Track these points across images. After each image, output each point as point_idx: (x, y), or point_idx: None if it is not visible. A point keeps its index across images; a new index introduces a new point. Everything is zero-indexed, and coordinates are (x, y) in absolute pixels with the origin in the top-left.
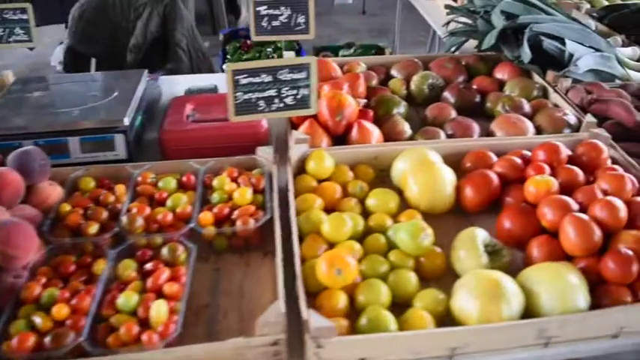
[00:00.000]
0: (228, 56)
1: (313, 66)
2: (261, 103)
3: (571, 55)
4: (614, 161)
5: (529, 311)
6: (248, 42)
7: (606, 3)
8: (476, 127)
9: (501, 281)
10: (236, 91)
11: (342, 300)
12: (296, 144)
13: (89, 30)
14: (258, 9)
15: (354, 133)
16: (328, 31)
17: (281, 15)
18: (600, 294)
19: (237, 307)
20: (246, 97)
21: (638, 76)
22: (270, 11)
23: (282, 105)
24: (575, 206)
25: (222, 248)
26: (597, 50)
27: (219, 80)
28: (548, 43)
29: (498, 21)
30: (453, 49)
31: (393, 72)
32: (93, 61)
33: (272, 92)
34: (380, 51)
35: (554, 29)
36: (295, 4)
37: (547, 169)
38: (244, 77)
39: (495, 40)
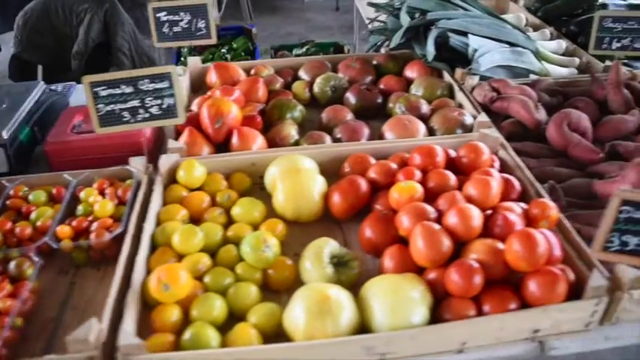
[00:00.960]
0: (182, 58)
1: (174, 75)
2: (126, 114)
3: (475, 51)
4: (503, 163)
5: (366, 326)
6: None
7: None
8: (365, 131)
9: (330, 296)
10: (97, 103)
11: (173, 315)
12: (169, 153)
13: (34, 37)
14: (157, 15)
15: (234, 139)
16: (299, 28)
17: (181, 21)
18: (443, 308)
19: (80, 322)
20: (108, 108)
21: (558, 71)
22: (170, 17)
23: (147, 115)
24: (431, 214)
25: (82, 262)
26: (513, 45)
27: None
28: (455, 40)
29: (405, 19)
30: (374, 48)
31: (301, 74)
32: (39, 68)
33: (135, 103)
34: (339, 49)
35: (462, 25)
36: (194, 10)
37: (418, 173)
38: (103, 89)
39: (403, 39)
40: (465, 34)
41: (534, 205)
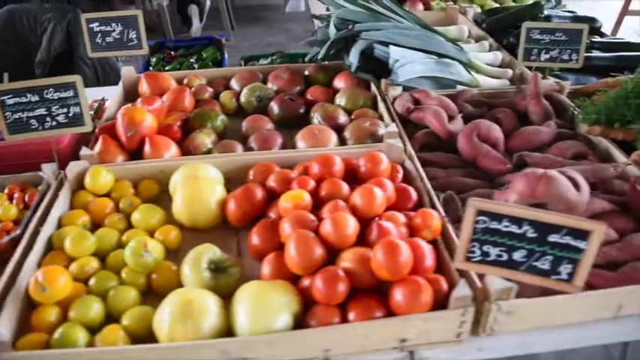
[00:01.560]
0: (151, 68)
1: (79, 84)
2: (34, 122)
3: (396, 62)
4: (407, 173)
5: (232, 331)
6: (172, 53)
7: (496, 5)
8: (278, 140)
9: (193, 300)
10: (4, 111)
11: (51, 315)
12: (81, 160)
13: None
14: (90, 26)
15: (146, 148)
16: (280, 38)
17: (113, 31)
18: (309, 315)
19: None
20: (16, 116)
21: (489, 82)
22: (103, 28)
23: (54, 123)
24: (311, 222)
25: None
26: (443, 56)
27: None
28: (379, 51)
29: (332, 30)
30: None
31: (232, 84)
32: (6, 76)
33: (42, 111)
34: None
35: (387, 36)
36: (126, 21)
37: (311, 182)
38: (10, 98)
39: (332, 50)
40: (392, 45)
41: (417, 215)
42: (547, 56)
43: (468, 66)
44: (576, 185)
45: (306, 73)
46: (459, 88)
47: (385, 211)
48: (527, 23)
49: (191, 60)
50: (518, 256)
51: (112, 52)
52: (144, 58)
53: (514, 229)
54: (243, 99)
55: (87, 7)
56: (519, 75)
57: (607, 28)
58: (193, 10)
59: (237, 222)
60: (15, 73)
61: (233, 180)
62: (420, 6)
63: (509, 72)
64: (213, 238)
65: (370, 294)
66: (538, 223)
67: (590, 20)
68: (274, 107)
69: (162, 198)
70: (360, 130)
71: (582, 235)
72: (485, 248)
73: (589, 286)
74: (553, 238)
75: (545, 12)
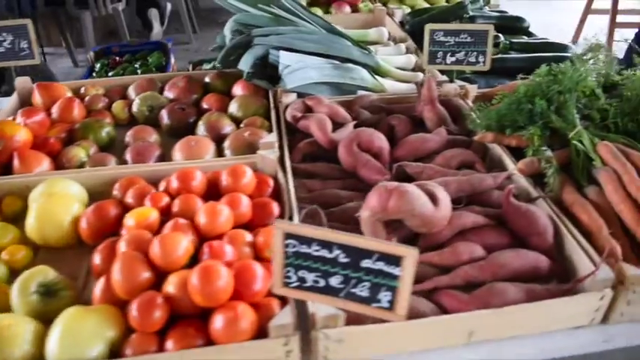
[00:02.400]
0: (94, 74)
1: None
2: None
3: (287, 67)
4: (277, 184)
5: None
6: (117, 59)
7: (426, 5)
8: (155, 153)
9: (5, 327)
10: None
11: None
12: None
13: None
14: None
15: (15, 162)
16: None
17: (4, 41)
18: (126, 343)
19: None
20: None
21: (397, 86)
22: None
23: None
24: (148, 243)
25: None
26: (348, 61)
27: None
28: (274, 56)
29: (227, 36)
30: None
31: (129, 93)
32: None
33: None
34: None
35: (283, 41)
36: (16, 31)
37: (165, 199)
38: None
39: (229, 57)
40: (291, 50)
41: (260, 233)
42: (453, 59)
43: (376, 70)
44: (434, 199)
45: (207, 80)
46: (361, 93)
47: (239, 228)
48: (429, 25)
49: (135, 65)
50: (335, 282)
51: (3, 63)
52: (88, 64)
53: (325, 253)
54: (134, 109)
55: (44, 12)
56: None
57: (572, 27)
58: (153, 13)
59: (90, 240)
60: None
61: (103, 195)
62: (347, 8)
63: (420, 75)
64: (67, 257)
65: (191, 321)
66: (349, 248)
67: (517, 20)
68: (164, 117)
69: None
70: (237, 140)
71: (395, 260)
72: (300, 273)
73: (442, 309)
74: (366, 263)
75: (471, 12)
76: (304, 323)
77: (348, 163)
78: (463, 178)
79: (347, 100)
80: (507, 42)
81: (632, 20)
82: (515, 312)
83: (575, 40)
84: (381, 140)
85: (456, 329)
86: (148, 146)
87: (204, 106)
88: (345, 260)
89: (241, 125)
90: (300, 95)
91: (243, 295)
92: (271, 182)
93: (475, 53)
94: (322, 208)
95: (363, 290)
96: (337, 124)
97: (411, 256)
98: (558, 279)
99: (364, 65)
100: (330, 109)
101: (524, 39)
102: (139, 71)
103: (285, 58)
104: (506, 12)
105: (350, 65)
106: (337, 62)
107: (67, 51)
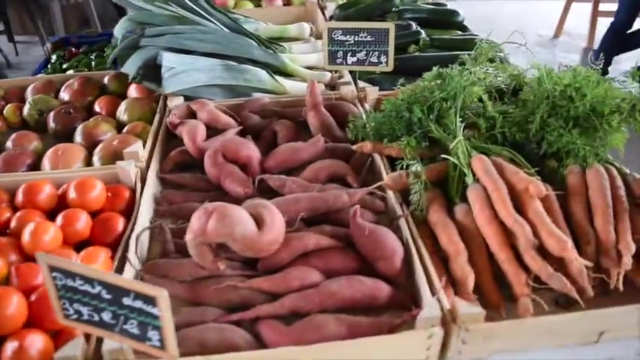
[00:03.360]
0: (49, 66)
1: None
2: None
3: (171, 70)
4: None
5: None
6: (73, 50)
7: None
8: (26, 161)
9: None
10: None
11: None
12: None
13: None
14: None
15: None
16: None
17: None
18: None
19: None
20: None
21: (302, 87)
22: None
23: None
24: None
25: None
26: (249, 61)
27: None
28: (160, 58)
29: (118, 35)
30: None
31: (27, 94)
32: None
33: None
34: None
35: (174, 42)
36: None
37: (6, 214)
38: None
39: (124, 58)
40: (183, 51)
41: (85, 254)
42: (354, 59)
43: (282, 70)
44: (261, 222)
45: (105, 81)
46: (254, 96)
47: (76, 245)
48: (328, 23)
49: (90, 57)
50: (106, 317)
51: None
52: (44, 55)
53: (89, 288)
54: (25, 112)
55: (16, 3)
56: (337, 78)
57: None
58: None
59: None
60: None
61: None
62: (279, 1)
63: (327, 75)
64: None
65: None
66: (108, 285)
67: (451, 14)
68: (51, 121)
69: None
70: (105, 149)
71: (151, 300)
72: (75, 306)
73: (260, 340)
74: (127, 301)
75: (400, 6)
76: None
77: (213, 175)
78: (317, 194)
79: (237, 103)
80: (427, 38)
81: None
82: (328, 349)
83: (558, 32)
84: (249, 150)
85: None
86: (20, 154)
87: (96, 109)
88: (108, 297)
89: (124, 130)
90: (189, 99)
91: (41, 322)
92: (127, 195)
93: (377, 53)
94: (183, 221)
95: (133, 327)
96: (220, 130)
97: (162, 297)
98: (405, 309)
99: (267, 65)
100: (211, 115)
101: (451, 36)
102: (93, 63)
103: (168, 60)
104: (443, 4)
105: (247, 66)
106: (233, 63)
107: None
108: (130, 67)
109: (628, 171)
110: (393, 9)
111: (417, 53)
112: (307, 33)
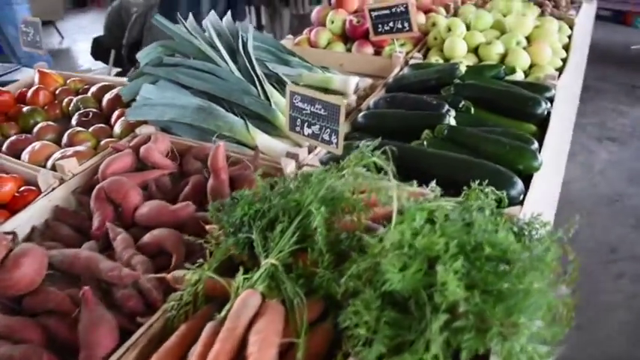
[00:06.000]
0: None
1: None
2: None
3: (146, 99)
4: None
5: None
6: None
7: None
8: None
9: None
10: None
11: None
12: None
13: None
14: None
15: None
16: None
17: None
18: None
19: None
20: None
21: (273, 145)
22: None
23: None
24: None
25: None
26: (238, 106)
27: None
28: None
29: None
30: None
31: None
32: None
33: None
34: None
35: (171, 74)
36: None
37: None
38: None
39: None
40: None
41: None
42: (309, 131)
43: (272, 122)
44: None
45: None
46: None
47: None
48: (290, 86)
49: None
50: None
51: None
52: None
53: None
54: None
55: None
56: None
57: None
58: None
59: None
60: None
61: None
62: (370, 49)
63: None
64: None
65: None
66: None
67: (526, 102)
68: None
69: None
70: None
71: None
72: None
73: None
74: None
75: (466, 80)
76: None
77: (92, 207)
78: (95, 257)
79: (190, 146)
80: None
81: None
82: None
83: None
84: (127, 194)
85: None
86: (23, 140)
87: (112, 120)
88: None
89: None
90: (165, 130)
91: None
92: (31, 199)
93: (328, 130)
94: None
95: None
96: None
97: None
98: None
99: (258, 115)
100: (146, 151)
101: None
102: None
103: (146, 91)
104: (540, 86)
105: (224, 112)
106: (216, 107)
107: None
108: (127, 91)
109: None
110: (456, 81)
111: (423, 145)
112: (352, 89)
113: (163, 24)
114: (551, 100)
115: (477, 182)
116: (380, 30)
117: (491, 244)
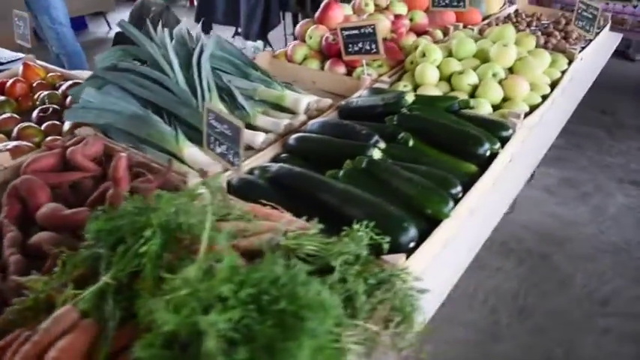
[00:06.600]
0: None
1: None
2: None
3: (87, 102)
4: None
5: None
6: None
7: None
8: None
9: None
10: None
11: None
12: None
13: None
14: None
15: None
16: None
17: None
18: None
19: None
20: None
21: (200, 159)
22: None
23: None
24: None
25: None
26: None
27: None
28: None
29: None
30: None
31: None
32: None
33: None
34: None
35: (120, 80)
36: None
37: None
38: None
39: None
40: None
41: None
42: (219, 150)
43: None
44: None
45: None
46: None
47: None
48: (206, 103)
49: None
50: None
51: None
52: None
53: None
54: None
55: None
56: None
57: None
58: None
59: None
60: None
61: None
62: (342, 69)
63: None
64: None
65: None
66: None
67: (472, 142)
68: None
69: None
70: None
71: None
72: None
73: None
74: None
75: (414, 111)
76: None
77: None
78: None
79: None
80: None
81: None
82: None
83: None
84: (34, 194)
85: None
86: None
87: None
88: None
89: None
90: (105, 133)
91: None
92: None
93: (232, 152)
94: None
95: None
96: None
97: None
98: None
99: (194, 126)
100: (71, 152)
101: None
102: None
103: (88, 94)
104: (494, 122)
105: (159, 123)
106: (155, 117)
107: None
108: (76, 92)
109: None
110: (403, 110)
111: (338, 175)
112: (302, 108)
113: (126, 29)
114: (506, 139)
115: (365, 223)
116: (350, 50)
117: (291, 298)
